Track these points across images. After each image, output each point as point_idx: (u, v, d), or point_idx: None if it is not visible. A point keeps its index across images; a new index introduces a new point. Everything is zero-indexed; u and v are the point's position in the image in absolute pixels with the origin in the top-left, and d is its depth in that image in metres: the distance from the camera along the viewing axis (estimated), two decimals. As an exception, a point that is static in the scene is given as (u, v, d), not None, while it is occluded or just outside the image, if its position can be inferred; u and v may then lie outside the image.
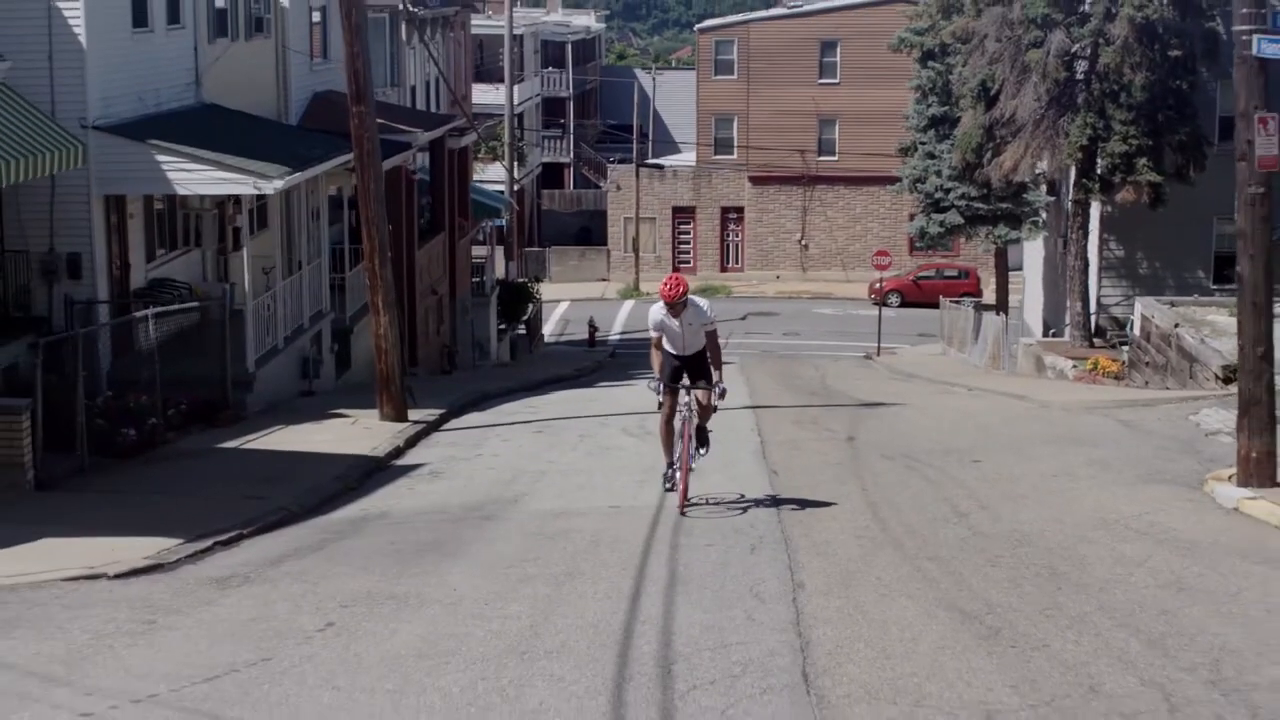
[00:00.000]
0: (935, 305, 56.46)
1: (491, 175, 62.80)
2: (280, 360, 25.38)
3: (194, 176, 23.08)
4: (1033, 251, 52.38)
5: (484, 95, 68.33)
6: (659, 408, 14.89)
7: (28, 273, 22.70)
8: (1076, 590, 10.91)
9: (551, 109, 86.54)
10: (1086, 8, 38.39)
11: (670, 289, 14.32)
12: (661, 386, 14.68)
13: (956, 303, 52.51)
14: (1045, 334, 46.31)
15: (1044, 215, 48.73)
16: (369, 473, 18.32)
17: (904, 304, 65.43)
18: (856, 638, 9.24)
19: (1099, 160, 38.18)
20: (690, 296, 14.45)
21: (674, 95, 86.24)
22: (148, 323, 20.34)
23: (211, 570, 11.99)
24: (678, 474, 14.65)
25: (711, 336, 14.72)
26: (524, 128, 74.08)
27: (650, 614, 9.78)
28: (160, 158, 22.88)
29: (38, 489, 16.01)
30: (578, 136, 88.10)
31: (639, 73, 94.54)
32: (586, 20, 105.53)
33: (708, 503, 14.88)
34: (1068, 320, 41.04)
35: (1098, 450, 19.77)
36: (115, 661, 8.91)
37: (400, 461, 19.44)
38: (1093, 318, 40.61)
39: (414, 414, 22.91)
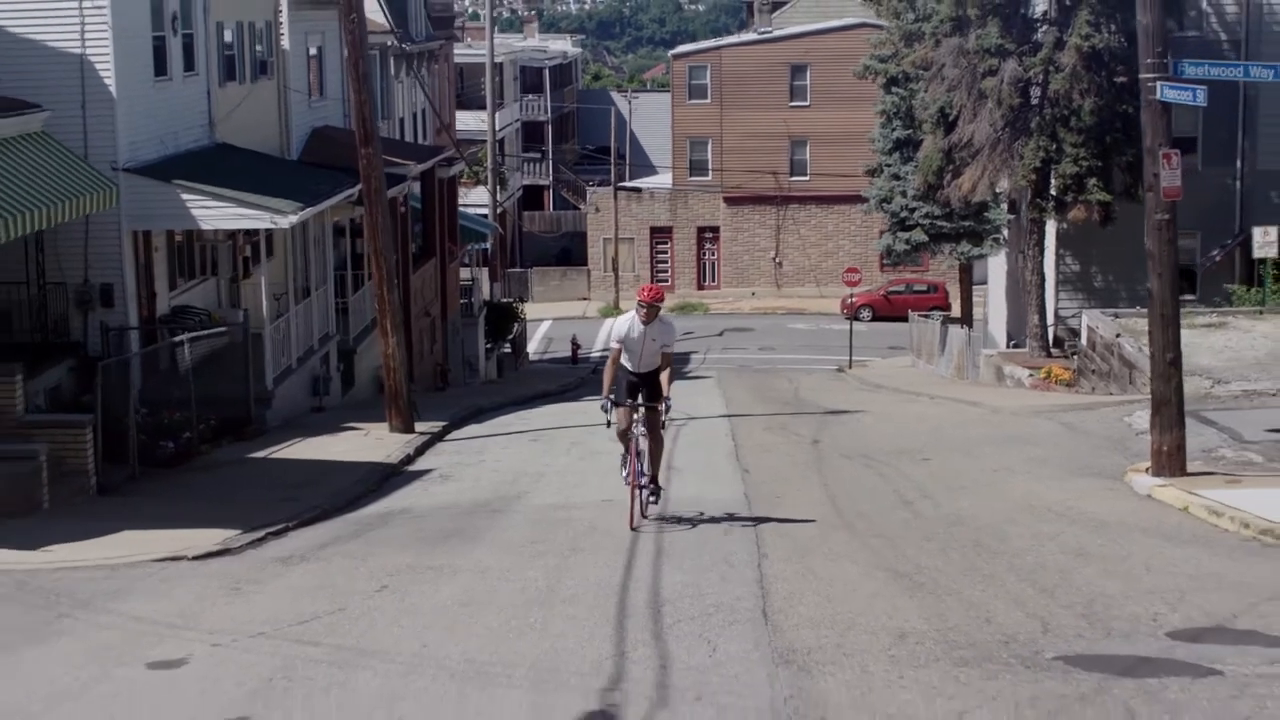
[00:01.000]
0: (906, 319, 58.75)
1: (474, 199, 65.13)
2: (294, 379, 27.61)
3: (215, 213, 25.32)
4: (996, 266, 54.68)
5: (466, 121, 70.55)
6: (608, 425, 15.36)
7: (64, 302, 24.88)
8: (993, 557, 13.18)
9: (531, 133, 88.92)
10: (1039, 37, 40.73)
11: (650, 291, 14.99)
12: (613, 406, 15.02)
13: (925, 316, 54.84)
14: (1009, 345, 48.54)
15: (1005, 232, 51.01)
16: (386, 477, 20.54)
17: (875, 318, 67.65)
18: (807, 589, 11.48)
19: (1052, 181, 40.51)
20: (664, 315, 15.17)
21: (649, 117, 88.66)
22: (184, 346, 22.50)
23: (271, 553, 14.23)
24: (627, 471, 15.07)
25: (667, 358, 15.06)
26: (505, 152, 76.43)
27: (641, 576, 12.02)
28: (185, 196, 25.11)
29: (99, 493, 18.20)
30: (556, 160, 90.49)
31: (615, 95, 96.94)
32: (563, 45, 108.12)
33: (687, 498, 17.09)
34: (1027, 332, 43.36)
35: (1037, 449, 22.09)
36: (221, 613, 11.12)
37: (412, 467, 21.67)
38: (1050, 329, 42.87)
39: (419, 426, 25.15)
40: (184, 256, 29.00)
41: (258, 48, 32.99)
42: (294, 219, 25.47)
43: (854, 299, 62.55)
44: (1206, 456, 20.23)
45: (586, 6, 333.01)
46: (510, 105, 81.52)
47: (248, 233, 28.88)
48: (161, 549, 13.98)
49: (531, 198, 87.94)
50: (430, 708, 8.64)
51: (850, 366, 52.11)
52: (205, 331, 23.96)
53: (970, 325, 51.38)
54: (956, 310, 60.55)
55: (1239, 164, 43.98)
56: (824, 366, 53.10)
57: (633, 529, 14.60)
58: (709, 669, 8.92)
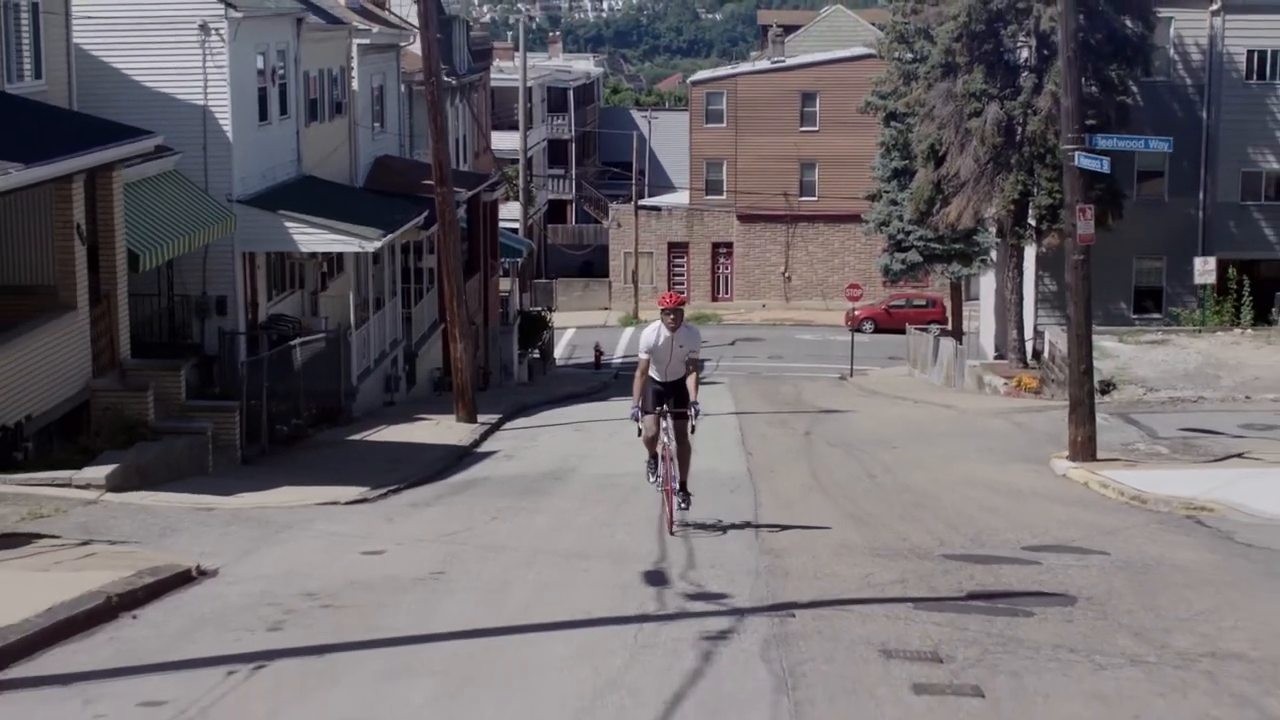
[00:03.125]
0: (905, 332, 63.73)
1: (506, 214, 70.18)
2: (371, 378, 32.73)
3: (313, 238, 30.42)
4: (986, 285, 59.62)
5: (499, 141, 75.63)
6: (639, 434, 15.92)
7: (187, 311, 29.97)
8: (924, 509, 18.16)
9: (555, 149, 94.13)
10: (1020, 82, 45.72)
11: (671, 298, 15.56)
12: (642, 414, 15.61)
13: (922, 329, 59.77)
14: (995, 357, 53.45)
15: (993, 254, 55.96)
16: (460, 456, 25.60)
17: (877, 330, 72.45)
18: (788, 537, 16.42)
19: (1030, 211, 45.51)
20: (686, 321, 15.69)
21: (668, 133, 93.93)
22: (297, 349, 27.60)
23: (398, 502, 19.28)
24: (660, 473, 15.86)
25: (693, 364, 15.59)
26: (532, 170, 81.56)
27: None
28: (287, 224, 30.20)
29: (242, 463, 23.25)
30: (579, 175, 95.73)
31: (635, 114, 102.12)
32: (586, 65, 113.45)
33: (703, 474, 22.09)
34: (1008, 345, 48.36)
35: (988, 441, 27.14)
36: (388, 531, 16.06)
37: (480, 449, 26.76)
38: (1029, 343, 47.82)
39: (480, 418, 30.22)
40: (277, 272, 34.06)
41: (334, 91, 38.10)
42: (378, 244, 30.58)
43: (857, 312, 67.50)
44: (1124, 448, 25.24)
45: (604, 15, 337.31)
46: (538, 126, 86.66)
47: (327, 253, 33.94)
48: (317, 498, 19.01)
49: (555, 212, 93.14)
50: (552, 566, 13.56)
51: (851, 375, 56.86)
52: (312, 337, 29.03)
53: (960, 339, 56.27)
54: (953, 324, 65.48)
55: (1201, 196, 48.98)
56: (828, 375, 57.77)
57: (671, 533, 15.20)
58: (719, 554, 13.94)
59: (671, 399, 15.48)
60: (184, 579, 12.48)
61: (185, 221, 26.91)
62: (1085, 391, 23.56)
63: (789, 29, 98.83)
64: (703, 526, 15.65)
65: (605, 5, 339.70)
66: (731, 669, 9.30)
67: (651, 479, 16.18)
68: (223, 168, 29.95)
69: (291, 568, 13.28)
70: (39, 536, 14.14)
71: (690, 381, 15.43)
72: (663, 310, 15.36)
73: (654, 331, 15.36)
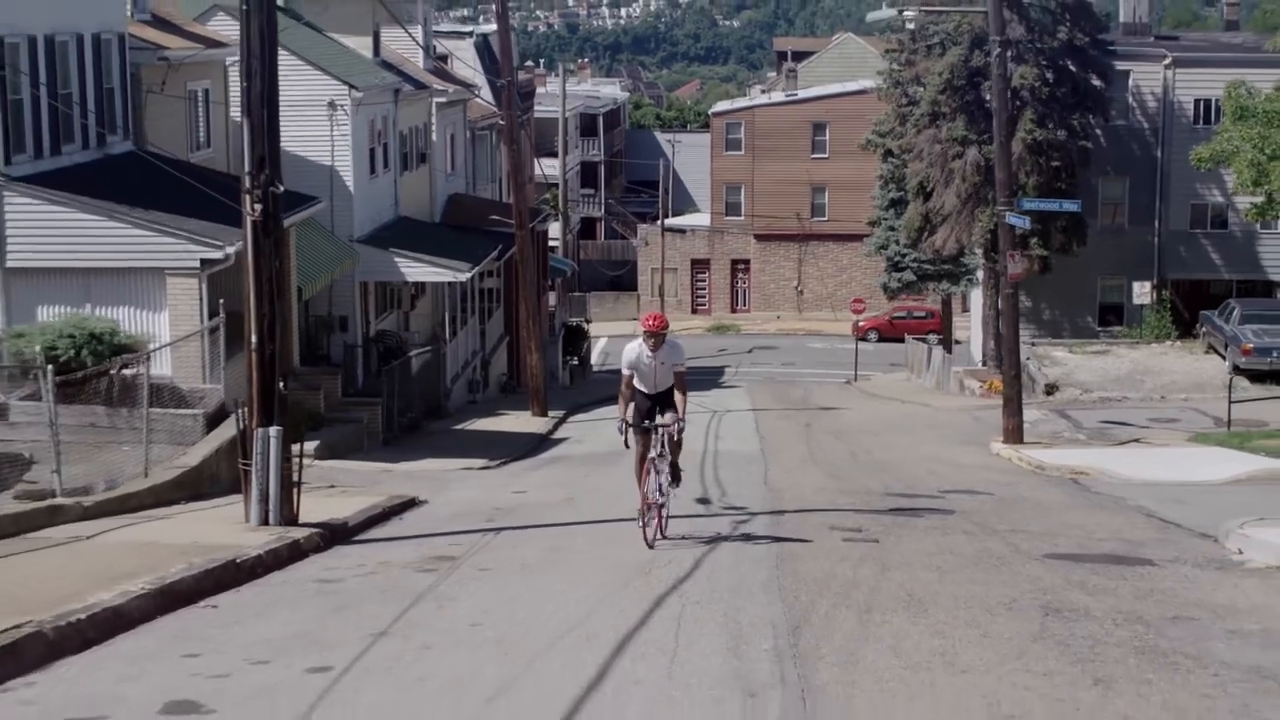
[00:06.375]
0: (905, 341, 71.30)
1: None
2: (459, 381, 40.57)
3: (416, 270, 38.27)
4: (976, 299, 67.26)
5: (538, 166, 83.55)
6: (626, 446, 15.85)
7: (316, 328, 37.82)
8: (886, 472, 25.80)
9: (586, 171, 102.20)
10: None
11: (653, 320, 15.51)
12: (630, 430, 15.53)
13: (921, 339, 67.28)
14: (982, 364, 61.06)
15: (980, 274, 63.61)
16: (541, 440, 33.39)
17: (881, 339, 79.69)
18: (786, 481, 23.99)
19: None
20: (669, 337, 15.54)
21: (690, 155, 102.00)
22: (414, 358, 35.44)
23: (513, 468, 27.06)
24: (649, 519, 15.44)
25: (679, 377, 15.51)
26: (567, 192, 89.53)
27: (709, 474, 24.71)
28: (396, 259, 38.05)
29: (384, 445, 31.04)
30: (607, 194, 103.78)
31: (659, 137, 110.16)
32: (613, 90, 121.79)
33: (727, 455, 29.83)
34: (988, 353, 56.01)
35: (949, 430, 34.88)
36: (519, 482, 23.74)
37: (555, 436, 34.56)
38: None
39: (549, 413, 38.01)
40: (379, 296, 41.95)
41: (419, 143, 46.00)
42: (468, 275, 38.45)
43: (862, 323, 75.06)
44: (1051, 435, 32.92)
45: (622, 23, 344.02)
46: (572, 151, 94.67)
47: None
48: (455, 466, 26.83)
49: (586, 229, 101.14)
50: (635, 498, 21.22)
51: (855, 379, 64.35)
52: (422, 349, 36.88)
53: (950, 348, 63.86)
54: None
55: (1156, 224, 56.56)
56: (835, 379, 65.15)
57: (651, 547, 15.12)
58: (742, 491, 21.59)
59: (661, 410, 15.55)
60: (411, 504, 20.22)
61: (326, 259, 34.78)
62: (1014, 391, 31.32)
63: (803, 55, 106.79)
64: (729, 479, 23.45)
65: (623, 13, 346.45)
66: (749, 530, 16.97)
67: (640, 523, 15.56)
68: (345, 214, 37.83)
69: (473, 498, 21.10)
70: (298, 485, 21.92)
71: (678, 398, 15.49)
72: (645, 334, 15.42)
73: (636, 349, 15.47)
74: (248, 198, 16.36)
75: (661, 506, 15.56)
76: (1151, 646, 10.35)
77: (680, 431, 15.48)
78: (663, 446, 15.40)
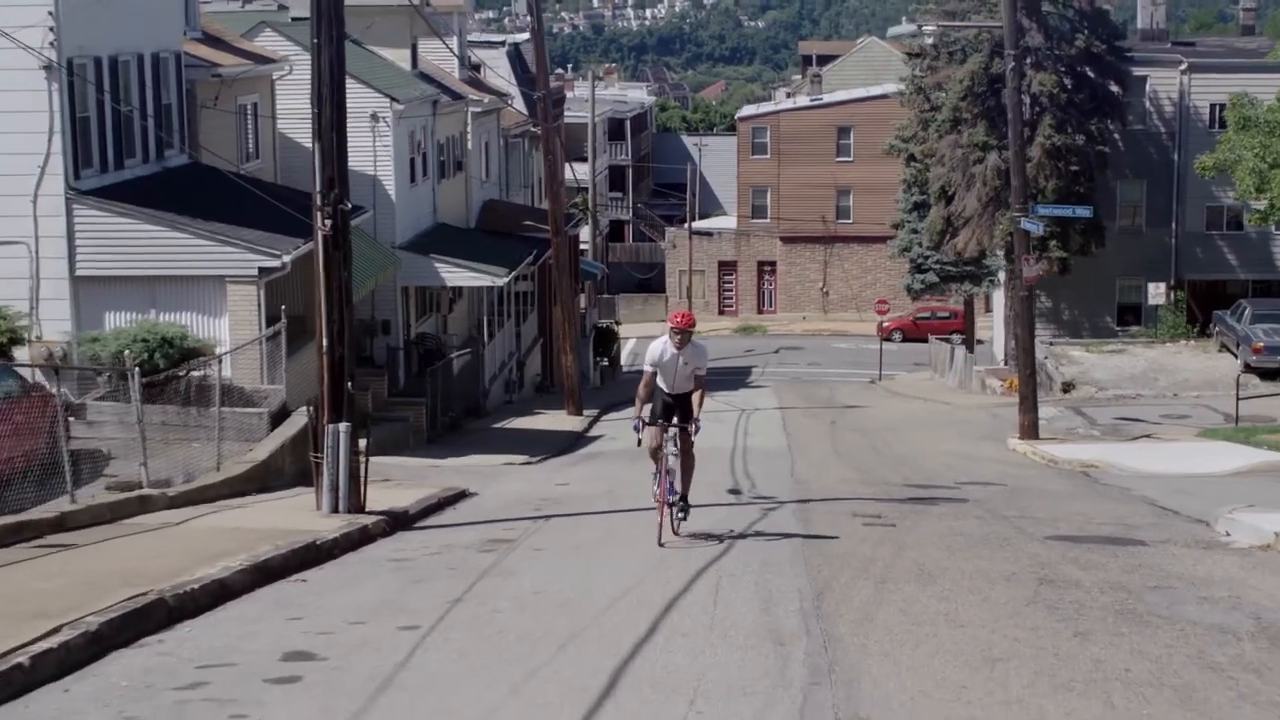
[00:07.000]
0: (929, 340, 72.63)
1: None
2: (497, 382, 42.16)
3: (455, 275, 39.85)
4: (998, 300, 68.61)
5: (568, 170, 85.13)
6: (638, 445, 16.05)
7: (360, 331, 39.39)
8: (905, 465, 27.31)
9: (615, 174, 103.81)
10: (1016, 133, 54.71)
11: (681, 318, 15.43)
12: (644, 426, 15.62)
13: (944, 339, 68.59)
14: (1005, 363, 62.41)
15: (1001, 275, 64.96)
16: (577, 438, 34.95)
17: (905, 340, 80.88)
18: (811, 474, 25.46)
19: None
20: (696, 340, 15.54)
21: (716, 158, 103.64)
22: (455, 360, 37.04)
23: (554, 464, 28.61)
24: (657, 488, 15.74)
25: (700, 380, 15.53)
26: (596, 197, 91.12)
27: (739, 468, 26.22)
28: (436, 264, 39.65)
29: (428, 443, 32.63)
30: (636, 199, 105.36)
31: (686, 140, 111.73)
32: (639, 95, 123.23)
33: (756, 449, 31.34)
34: (1009, 353, 57.38)
35: (968, 427, 36.34)
36: (562, 476, 25.37)
37: (590, 434, 36.11)
38: (1026, 351, 56.82)
39: (584, 412, 39.56)
40: (419, 299, 43.56)
41: (456, 151, 47.61)
42: (505, 280, 40.03)
43: (887, 324, 76.43)
44: (1066, 431, 34.39)
45: (646, 24, 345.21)
46: (601, 155, 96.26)
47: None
48: (499, 461, 28.41)
49: (615, 231, 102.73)
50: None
51: (880, 379, 65.76)
52: (462, 351, 38.47)
53: (972, 348, 65.20)
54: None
55: (1173, 226, 57.88)
56: (859, 379, 66.54)
57: (660, 545, 15.21)
58: (770, 483, 23.05)
59: (678, 412, 15.58)
60: (463, 495, 21.77)
61: (371, 265, 36.33)
62: (1030, 389, 32.77)
63: (827, 59, 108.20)
64: (758, 472, 24.96)
65: (648, 14, 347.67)
66: (777, 517, 18.50)
67: (655, 488, 15.91)
68: (388, 222, 39.42)
69: (520, 490, 22.67)
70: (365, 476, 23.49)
71: (695, 398, 15.52)
72: (672, 329, 15.39)
73: (660, 345, 15.43)
74: (319, 214, 17.90)
75: (671, 505, 15.67)
76: (1130, 609, 11.85)
77: (695, 432, 15.63)
78: (676, 444, 15.51)
